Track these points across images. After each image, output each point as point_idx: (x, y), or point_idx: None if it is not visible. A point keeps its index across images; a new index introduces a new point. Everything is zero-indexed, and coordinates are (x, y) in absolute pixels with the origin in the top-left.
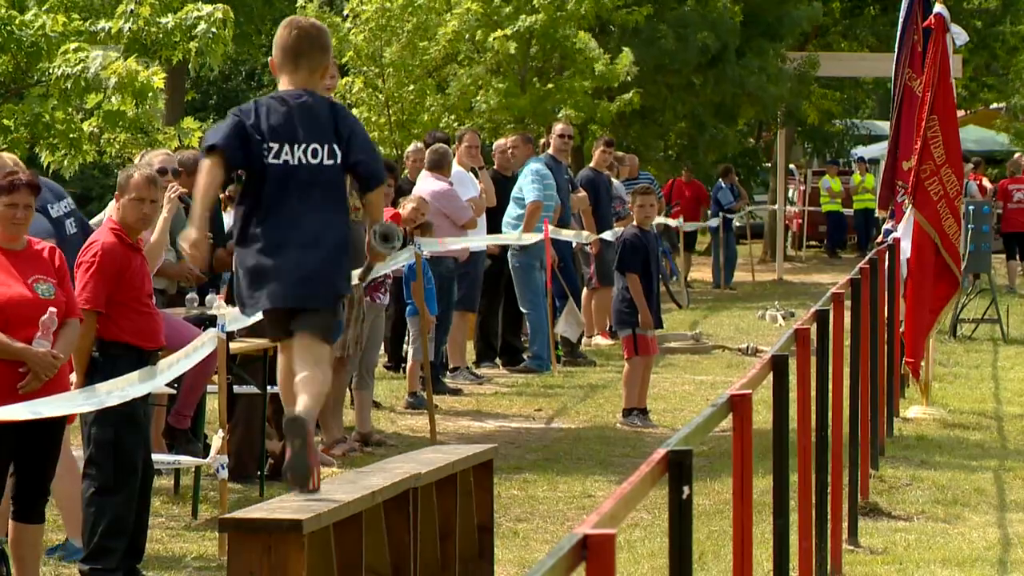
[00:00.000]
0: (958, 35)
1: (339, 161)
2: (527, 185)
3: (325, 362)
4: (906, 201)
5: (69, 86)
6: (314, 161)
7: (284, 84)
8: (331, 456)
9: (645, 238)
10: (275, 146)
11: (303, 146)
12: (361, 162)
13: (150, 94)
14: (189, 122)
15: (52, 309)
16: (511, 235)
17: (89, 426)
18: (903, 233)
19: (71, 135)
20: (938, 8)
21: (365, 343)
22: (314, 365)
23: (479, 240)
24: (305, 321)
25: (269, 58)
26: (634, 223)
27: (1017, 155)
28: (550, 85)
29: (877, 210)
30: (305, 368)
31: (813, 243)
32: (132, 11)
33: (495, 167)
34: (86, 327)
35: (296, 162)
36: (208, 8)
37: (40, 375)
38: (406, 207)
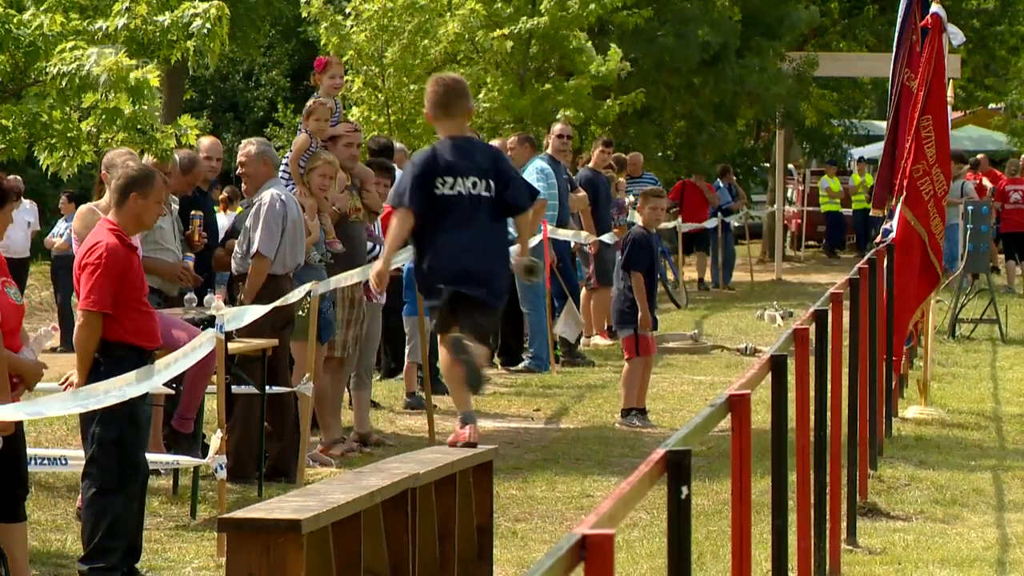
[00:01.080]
0: (954, 35)
1: (493, 192)
2: (532, 183)
3: (485, 352)
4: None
5: (65, 84)
6: (475, 192)
7: (443, 131)
8: (330, 456)
9: (651, 239)
10: (448, 179)
11: (468, 179)
12: (509, 192)
13: (146, 91)
14: (186, 119)
15: (54, 325)
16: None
17: (93, 425)
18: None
19: (69, 134)
20: (935, 8)
21: (363, 343)
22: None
23: None
24: (466, 320)
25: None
26: (641, 223)
27: (1020, 159)
28: (548, 86)
29: (872, 209)
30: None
31: (812, 243)
32: (128, 8)
33: None
34: (91, 329)
35: (464, 191)
36: (204, 5)
37: (32, 385)
38: None
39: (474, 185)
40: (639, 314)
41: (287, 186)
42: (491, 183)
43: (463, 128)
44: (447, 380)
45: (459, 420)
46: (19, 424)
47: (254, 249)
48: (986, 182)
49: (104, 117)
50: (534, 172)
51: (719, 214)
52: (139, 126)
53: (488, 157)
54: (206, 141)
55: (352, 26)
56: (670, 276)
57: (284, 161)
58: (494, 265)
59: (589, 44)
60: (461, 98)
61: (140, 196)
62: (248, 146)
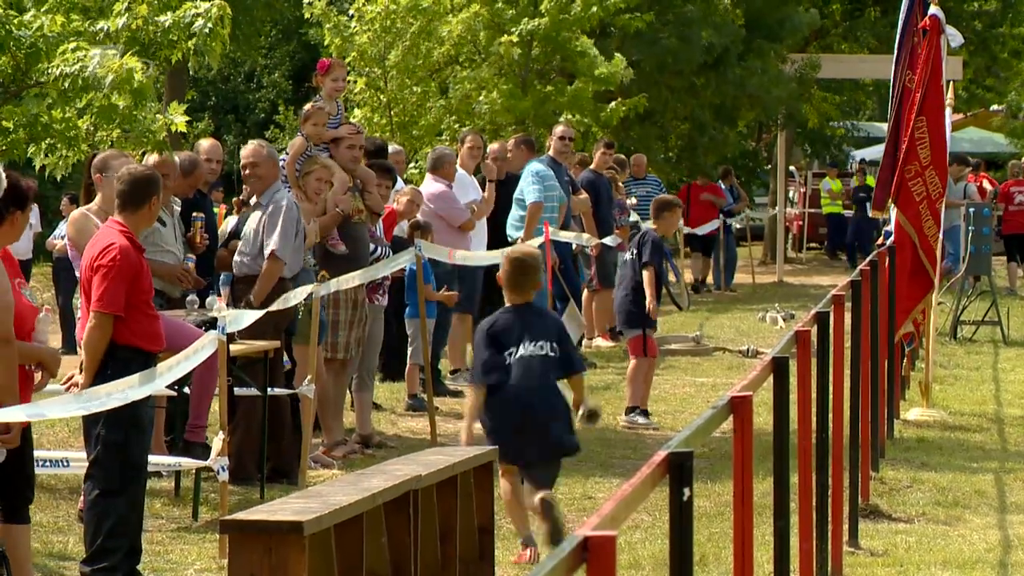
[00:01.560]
0: (953, 37)
1: (556, 353)
2: (527, 187)
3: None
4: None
5: (67, 85)
6: (539, 353)
7: (510, 300)
8: (332, 458)
9: (663, 245)
10: (513, 349)
11: (533, 343)
12: (567, 354)
13: (149, 93)
14: (175, 107)
15: (47, 307)
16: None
17: (97, 427)
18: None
19: (69, 134)
20: (933, 10)
21: (365, 345)
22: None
23: (486, 257)
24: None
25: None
26: (653, 228)
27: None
28: (550, 87)
29: (871, 211)
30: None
31: (813, 245)
32: (128, 8)
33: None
34: (102, 330)
35: (529, 353)
36: (205, 5)
37: (54, 373)
38: (400, 201)
39: (540, 347)
40: (647, 307)
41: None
42: (554, 344)
43: (529, 298)
44: (512, 513)
45: (521, 543)
46: (28, 427)
47: (269, 250)
48: (987, 184)
49: (100, 114)
50: (529, 175)
51: (721, 215)
52: (134, 121)
53: (553, 323)
54: (206, 143)
55: (355, 28)
56: (672, 278)
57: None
58: (559, 417)
59: (593, 48)
60: (533, 275)
61: (157, 199)
62: (257, 147)
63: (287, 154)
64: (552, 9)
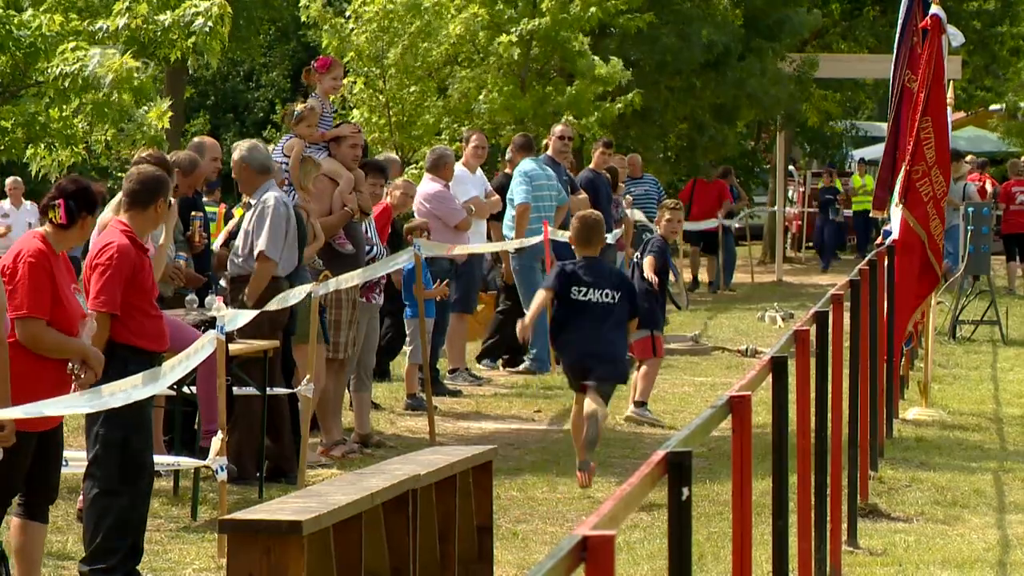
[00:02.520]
0: (954, 36)
1: (618, 301)
2: (515, 187)
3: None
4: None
5: (67, 85)
6: (605, 299)
7: (580, 253)
8: (331, 457)
9: (666, 248)
10: (582, 288)
11: (600, 290)
12: (627, 300)
13: (149, 92)
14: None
15: (92, 313)
16: (509, 243)
17: (97, 426)
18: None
19: (66, 132)
20: (934, 9)
21: (362, 344)
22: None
23: (481, 248)
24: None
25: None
26: (660, 233)
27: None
28: (549, 87)
29: (872, 211)
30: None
31: (812, 244)
32: (128, 7)
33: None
34: (100, 329)
35: (596, 299)
36: (205, 4)
37: (98, 372)
38: (393, 195)
39: (605, 295)
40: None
41: (289, 190)
42: (614, 293)
43: (596, 252)
44: (576, 437)
45: (578, 467)
46: (62, 428)
47: (258, 250)
48: (988, 185)
49: (95, 112)
50: (518, 176)
51: (718, 215)
52: (128, 120)
53: (615, 274)
54: (208, 141)
55: (353, 29)
56: (671, 278)
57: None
58: (620, 355)
59: (588, 50)
60: (598, 234)
61: (165, 200)
62: (246, 147)
63: (285, 156)
64: (553, 8)
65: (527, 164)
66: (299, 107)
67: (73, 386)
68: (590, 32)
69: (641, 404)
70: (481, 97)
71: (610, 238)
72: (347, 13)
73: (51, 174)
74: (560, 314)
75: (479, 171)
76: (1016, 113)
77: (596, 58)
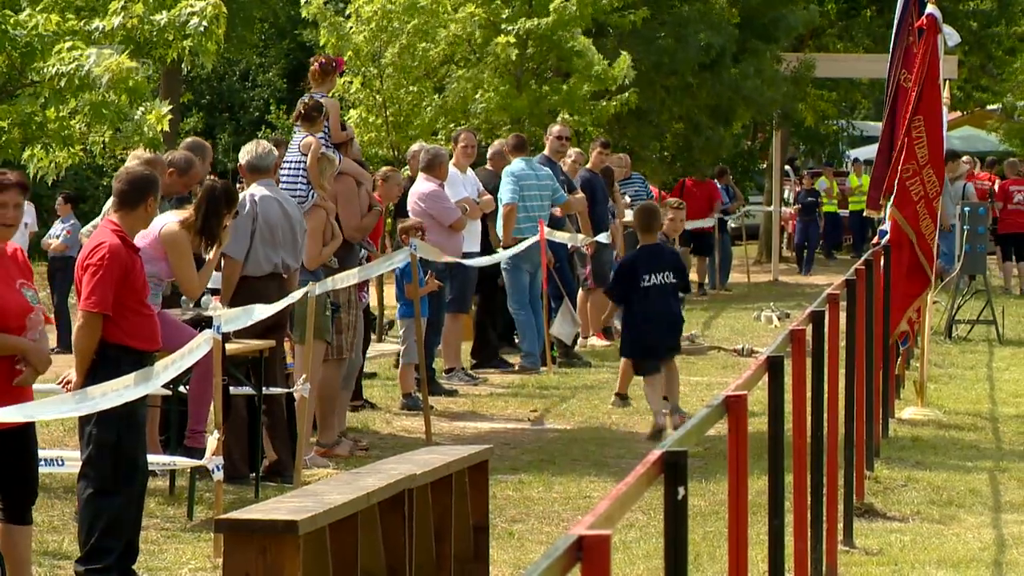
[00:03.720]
0: (950, 36)
1: (673, 279)
2: (502, 187)
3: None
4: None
5: (63, 85)
6: (665, 280)
7: (643, 240)
8: (335, 456)
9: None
10: (647, 277)
11: (660, 273)
12: (681, 279)
13: (145, 93)
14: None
15: (39, 306)
16: (503, 253)
17: (90, 427)
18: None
19: (63, 133)
20: (930, 9)
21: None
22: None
23: (478, 260)
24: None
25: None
26: (663, 232)
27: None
28: (546, 87)
29: (866, 210)
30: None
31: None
32: (124, 7)
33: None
34: (90, 330)
35: (658, 282)
36: (201, 3)
37: (38, 368)
38: (380, 186)
39: (664, 276)
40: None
41: (306, 189)
42: (671, 275)
43: (655, 239)
44: (649, 398)
45: (653, 415)
46: (31, 425)
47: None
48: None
49: (92, 113)
50: (506, 175)
51: (711, 215)
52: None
53: (672, 256)
54: (204, 143)
55: (351, 27)
56: None
57: (292, 163)
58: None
59: (591, 47)
60: (655, 219)
61: (155, 199)
62: (258, 146)
63: (302, 154)
64: (558, 8)
65: (516, 164)
66: (321, 102)
67: (14, 381)
68: (586, 32)
69: (624, 396)
70: (478, 96)
71: (603, 238)
72: (347, 12)
73: (49, 176)
74: (628, 300)
75: (470, 171)
76: (1013, 114)
77: (599, 56)
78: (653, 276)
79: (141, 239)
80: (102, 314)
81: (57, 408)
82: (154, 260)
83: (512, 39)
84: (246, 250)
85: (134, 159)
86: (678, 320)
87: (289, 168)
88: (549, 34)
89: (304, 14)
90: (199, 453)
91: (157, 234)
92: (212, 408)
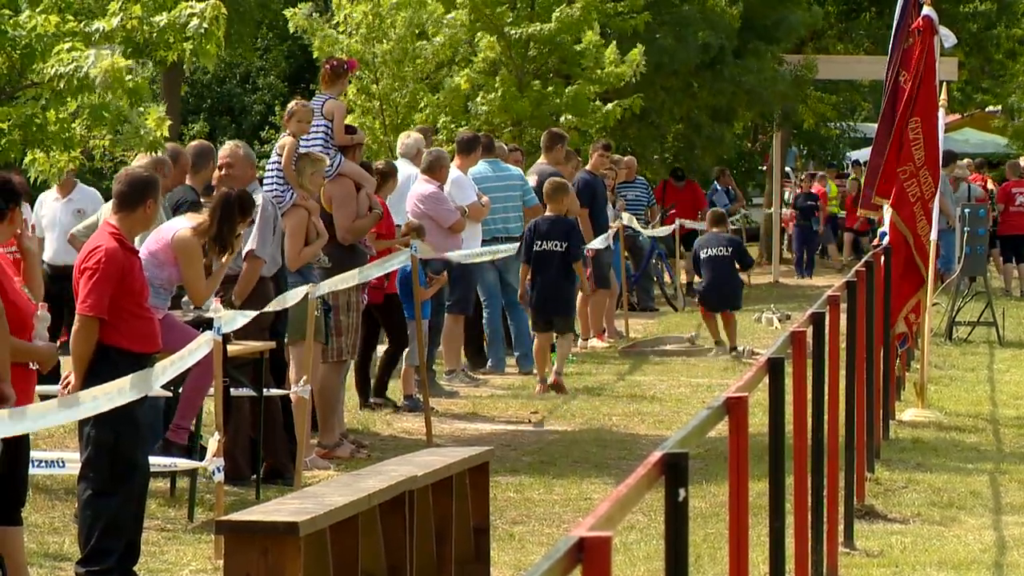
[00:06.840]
0: (946, 37)
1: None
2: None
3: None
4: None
5: (63, 86)
6: (722, 253)
7: (709, 227)
8: (336, 458)
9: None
10: (710, 251)
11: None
12: (737, 252)
13: (144, 94)
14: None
15: (44, 304)
16: (501, 247)
17: (88, 428)
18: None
19: (64, 135)
20: (926, 10)
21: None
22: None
23: (478, 254)
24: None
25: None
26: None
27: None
28: (550, 88)
29: (859, 210)
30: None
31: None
32: (123, 8)
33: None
34: (86, 333)
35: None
36: (201, 5)
37: (46, 369)
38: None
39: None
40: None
41: (283, 189)
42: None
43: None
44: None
45: (715, 343)
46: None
47: (247, 250)
48: (990, 185)
49: (92, 116)
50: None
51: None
52: (124, 123)
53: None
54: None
55: (343, 39)
56: (667, 279)
57: (273, 165)
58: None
59: (600, 42)
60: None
61: (154, 201)
62: (234, 147)
63: (277, 155)
64: (561, 17)
65: (478, 167)
66: (292, 104)
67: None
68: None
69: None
70: (479, 98)
71: (600, 243)
72: (335, 22)
73: (51, 180)
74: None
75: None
76: (1015, 116)
77: (611, 49)
78: (713, 249)
79: (154, 243)
80: (98, 317)
81: (52, 417)
82: (164, 265)
83: (495, 39)
84: (271, 250)
85: (140, 161)
86: (735, 285)
87: (270, 169)
88: (552, 37)
89: (291, 28)
90: (178, 448)
91: (169, 239)
92: (213, 409)
